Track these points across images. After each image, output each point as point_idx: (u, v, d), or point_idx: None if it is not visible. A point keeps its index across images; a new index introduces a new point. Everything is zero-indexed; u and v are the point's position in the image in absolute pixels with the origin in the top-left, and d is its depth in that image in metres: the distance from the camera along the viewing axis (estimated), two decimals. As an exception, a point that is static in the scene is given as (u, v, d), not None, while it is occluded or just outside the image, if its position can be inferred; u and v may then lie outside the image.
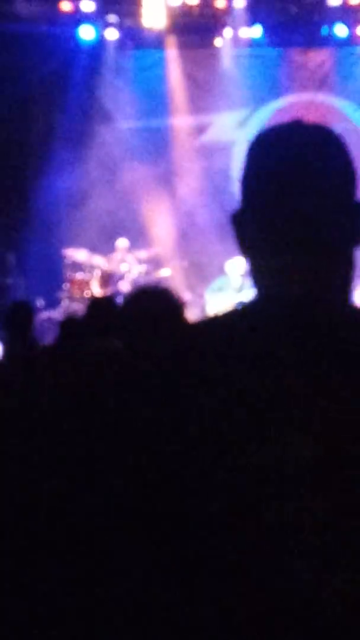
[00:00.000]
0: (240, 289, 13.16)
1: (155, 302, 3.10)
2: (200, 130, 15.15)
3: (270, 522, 1.40)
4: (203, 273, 14.03)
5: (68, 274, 13.56)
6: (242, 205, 1.59)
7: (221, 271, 13.40)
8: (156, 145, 14.76)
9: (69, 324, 5.49)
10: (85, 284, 13.43)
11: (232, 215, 1.60)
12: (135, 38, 14.71)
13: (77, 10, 14.08)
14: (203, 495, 1.42)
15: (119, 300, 13.37)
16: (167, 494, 1.44)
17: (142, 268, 13.74)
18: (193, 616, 1.42)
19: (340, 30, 14.34)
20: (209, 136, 15.13)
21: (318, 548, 1.39)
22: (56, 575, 2.82)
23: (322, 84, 14.92)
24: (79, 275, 13.51)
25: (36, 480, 3.06)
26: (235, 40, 14.62)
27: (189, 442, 1.43)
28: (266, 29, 14.40)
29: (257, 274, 1.56)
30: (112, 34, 14.62)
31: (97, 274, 13.56)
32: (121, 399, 1.53)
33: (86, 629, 2.59)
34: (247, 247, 1.58)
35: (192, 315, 13.07)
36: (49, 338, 8.66)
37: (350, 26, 14.31)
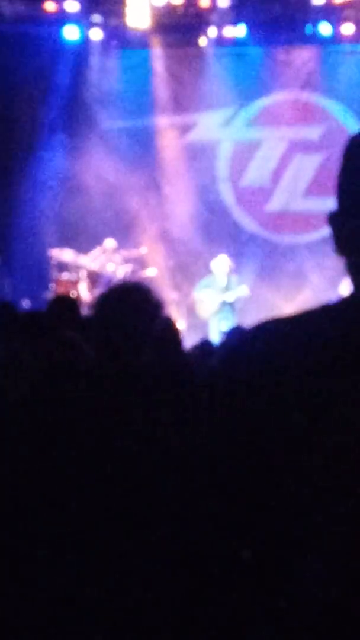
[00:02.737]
0: (225, 287, 13.17)
1: (135, 297, 3.10)
2: (186, 129, 15.15)
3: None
4: (188, 272, 14.04)
5: (54, 274, 13.55)
6: (339, 206, 1.59)
7: (206, 270, 13.41)
8: (141, 144, 14.76)
9: (30, 318, 5.47)
10: (72, 284, 13.41)
11: (329, 216, 1.59)
12: (119, 38, 14.70)
13: (61, 10, 14.06)
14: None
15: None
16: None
17: (128, 268, 13.74)
18: (197, 615, 1.42)
19: (325, 28, 14.36)
20: (194, 135, 15.13)
21: None
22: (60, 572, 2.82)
23: (306, 82, 14.93)
24: (64, 276, 13.50)
25: (28, 478, 3.06)
26: (220, 39, 14.62)
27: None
28: (250, 28, 14.40)
29: (355, 272, 1.56)
30: (96, 34, 14.61)
31: (84, 274, 13.55)
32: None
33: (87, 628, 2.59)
34: (343, 246, 1.58)
35: (177, 314, 13.08)
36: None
37: (334, 25, 14.33)
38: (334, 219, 1.59)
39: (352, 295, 1.54)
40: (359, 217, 1.54)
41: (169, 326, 3.53)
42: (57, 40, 14.47)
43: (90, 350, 3.41)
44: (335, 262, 1.64)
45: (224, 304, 13.09)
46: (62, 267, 13.62)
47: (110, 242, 13.71)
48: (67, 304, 6.21)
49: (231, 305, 13.12)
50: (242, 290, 13.18)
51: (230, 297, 13.14)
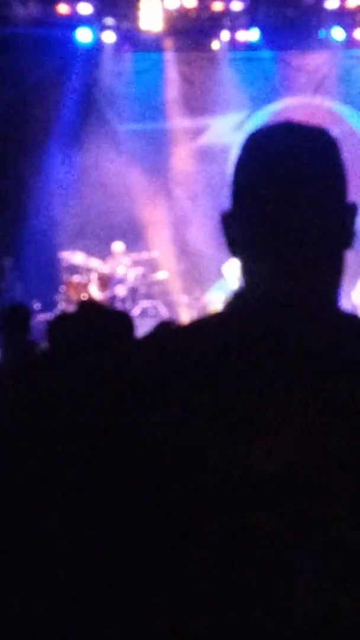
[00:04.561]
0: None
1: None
2: (198, 133, 15.15)
3: (241, 526, 1.38)
4: (200, 276, 14.02)
5: (65, 276, 13.56)
6: (231, 206, 1.56)
7: (217, 273, 13.40)
8: (153, 148, 14.75)
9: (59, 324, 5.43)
10: (82, 286, 13.43)
11: (222, 216, 1.57)
12: (132, 41, 14.71)
13: (74, 13, 14.07)
14: (180, 501, 1.40)
15: (117, 304, 13.41)
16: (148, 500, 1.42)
17: (139, 271, 13.74)
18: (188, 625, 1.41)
19: (338, 33, 14.34)
20: (206, 139, 15.12)
21: (289, 554, 1.37)
22: (54, 577, 2.80)
23: (319, 87, 14.92)
24: (75, 278, 13.51)
25: (33, 484, 3.05)
26: (233, 43, 14.62)
27: (163, 445, 1.41)
28: (263, 32, 14.39)
29: (245, 274, 1.55)
30: (109, 37, 14.61)
31: (94, 276, 13.56)
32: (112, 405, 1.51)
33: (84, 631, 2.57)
34: (235, 248, 1.57)
35: (189, 318, 13.07)
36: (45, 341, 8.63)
37: (348, 29, 14.32)
38: (226, 219, 1.57)
39: (239, 303, 1.53)
40: (251, 218, 1.52)
41: None
42: (70, 42, 14.47)
43: None
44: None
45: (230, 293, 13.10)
46: (73, 269, 13.63)
47: (118, 245, 13.72)
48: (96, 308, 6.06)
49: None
50: None
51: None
